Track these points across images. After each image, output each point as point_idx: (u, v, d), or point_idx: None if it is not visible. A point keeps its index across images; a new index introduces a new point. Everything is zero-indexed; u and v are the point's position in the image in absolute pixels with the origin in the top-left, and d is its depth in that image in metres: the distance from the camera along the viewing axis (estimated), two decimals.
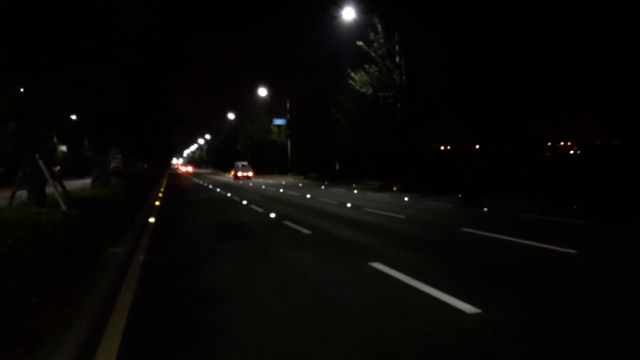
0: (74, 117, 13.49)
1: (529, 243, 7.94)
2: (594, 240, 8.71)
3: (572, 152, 34.20)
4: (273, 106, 60.36)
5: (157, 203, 18.67)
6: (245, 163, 54.32)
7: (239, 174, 49.97)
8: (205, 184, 38.14)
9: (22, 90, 7.36)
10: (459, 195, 17.85)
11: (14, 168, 9.12)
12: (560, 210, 12.93)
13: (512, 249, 7.77)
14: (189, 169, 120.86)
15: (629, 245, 8.17)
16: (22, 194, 8.98)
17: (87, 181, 24.56)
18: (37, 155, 7.76)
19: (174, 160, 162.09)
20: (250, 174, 50.51)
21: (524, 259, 6.99)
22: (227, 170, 72.30)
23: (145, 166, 63.88)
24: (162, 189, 30.85)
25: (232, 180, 46.02)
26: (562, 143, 35.75)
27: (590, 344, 3.69)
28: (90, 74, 7.67)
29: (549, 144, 30.15)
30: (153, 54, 12.61)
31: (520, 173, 21.50)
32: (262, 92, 60.97)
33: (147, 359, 3.59)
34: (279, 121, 56.68)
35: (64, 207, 7.47)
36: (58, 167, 33.78)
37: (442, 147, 37.43)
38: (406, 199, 18.53)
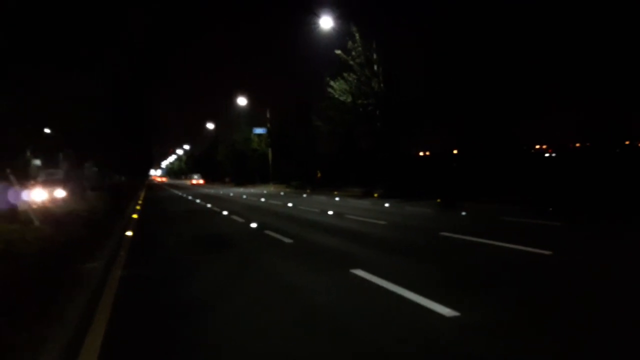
0: (48, 130, 13.25)
1: (506, 245, 8.04)
2: (568, 241, 8.87)
3: (547, 155, 34.74)
4: (253, 115, 60.15)
5: (134, 216, 18.39)
6: (198, 175, 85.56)
7: (194, 182, 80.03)
8: (185, 195, 37.72)
9: None
10: (438, 200, 17.98)
11: None
12: (537, 212, 13.12)
13: (490, 251, 7.84)
14: (164, 179, 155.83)
15: (602, 245, 8.34)
16: None
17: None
18: (9, 170, 7.58)
19: (152, 172, 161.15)
20: (202, 181, 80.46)
21: (501, 261, 7.07)
22: (207, 182, 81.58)
23: (123, 178, 63.07)
24: (140, 201, 30.41)
25: (188, 185, 72.59)
26: (537, 146, 36.30)
27: (567, 344, 3.72)
28: (68, 86, 7.54)
29: (525, 147, 30.60)
30: (135, 67, 12.49)
31: (498, 177, 21.79)
32: (242, 101, 60.70)
33: None
34: (259, 130, 56.53)
35: (36, 222, 7.29)
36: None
37: (422, 153, 37.72)
38: (387, 204, 18.59)
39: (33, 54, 6.80)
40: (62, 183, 13.04)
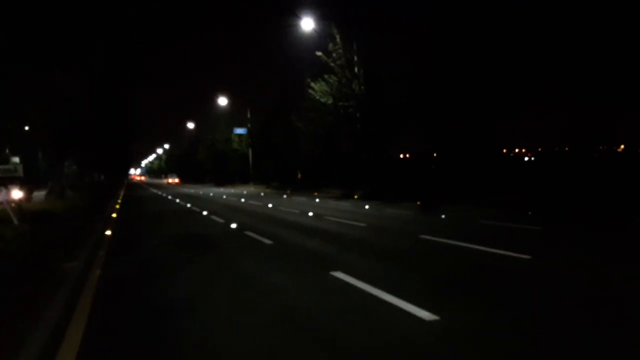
0: (27, 127, 13.06)
1: (485, 249, 8.18)
2: (547, 245, 9.02)
3: (527, 158, 35.38)
4: (234, 115, 59.94)
5: (114, 215, 18.21)
6: (174, 174, 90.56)
7: (170, 181, 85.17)
8: (164, 195, 37.41)
9: None
10: (418, 203, 18.18)
11: None
12: (516, 216, 13.35)
13: (469, 255, 7.98)
14: (142, 178, 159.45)
15: (582, 249, 8.52)
16: None
17: (41, 193, 23.72)
18: None
19: (132, 171, 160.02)
20: (177, 180, 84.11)
21: (480, 265, 7.19)
22: (188, 182, 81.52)
23: (102, 177, 62.23)
24: (119, 200, 30.08)
25: (165, 184, 77.82)
26: (517, 150, 36.95)
27: (545, 348, 3.83)
28: (50, 83, 7.47)
29: (504, 150, 31.12)
30: (115, 65, 12.39)
31: (477, 180, 22.11)
32: (223, 101, 60.43)
33: None
34: (239, 130, 56.36)
35: (16, 222, 7.22)
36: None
37: (402, 155, 38.06)
38: (367, 207, 18.73)
39: (11, 51, 6.73)
40: (20, 182, 12.71)
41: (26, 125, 12.01)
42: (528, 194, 17.59)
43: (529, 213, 13.94)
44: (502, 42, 24.51)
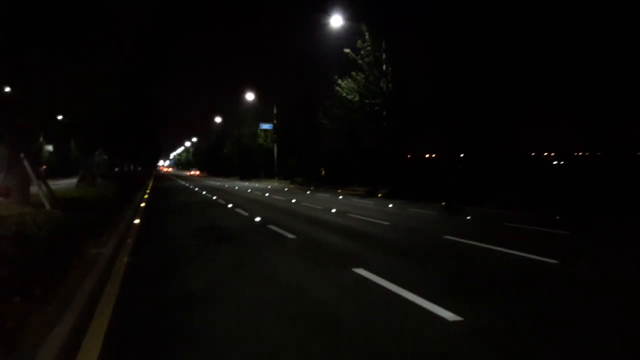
0: (60, 117, 13.41)
1: (511, 252, 8.06)
2: (575, 250, 8.82)
3: (555, 162, 34.68)
4: (261, 110, 60.28)
5: (142, 205, 18.57)
6: (195, 168, 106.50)
7: (191, 173, 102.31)
8: (191, 186, 37.93)
9: (8, 89, 7.33)
10: (443, 203, 18.01)
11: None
12: (543, 219, 13.12)
13: (494, 257, 7.89)
14: (170, 170, 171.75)
15: (610, 254, 8.33)
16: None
17: (72, 181, 24.30)
18: (22, 155, 7.71)
19: (160, 162, 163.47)
20: (198, 172, 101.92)
21: (505, 267, 7.10)
22: (214, 175, 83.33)
23: (132, 167, 63.37)
24: (148, 191, 30.63)
25: (188, 175, 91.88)
26: (545, 153, 36.23)
27: (569, 354, 3.78)
28: (80, 73, 7.65)
29: (533, 154, 30.57)
30: (143, 56, 12.60)
31: (504, 182, 21.77)
32: (250, 96, 60.90)
33: None
34: (265, 126, 56.65)
35: (48, 207, 7.43)
36: (44, 167, 33.48)
37: (427, 155, 37.73)
38: (390, 205, 18.65)
39: (44, 41, 6.92)
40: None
41: (60, 114, 12.33)
42: (556, 198, 17.24)
43: (557, 217, 13.68)
44: (529, 44, 24.08)
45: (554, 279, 6.32)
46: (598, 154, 30.71)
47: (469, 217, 13.97)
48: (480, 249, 8.60)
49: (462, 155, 30.60)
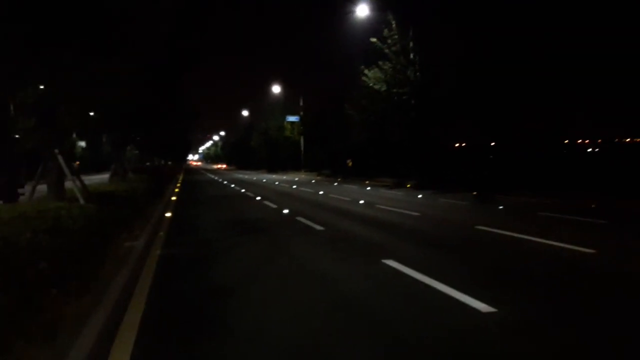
0: (92, 113, 13.69)
1: (545, 242, 7.88)
2: (613, 239, 8.57)
3: (590, 150, 33.73)
4: (287, 103, 60.51)
5: (173, 198, 18.87)
6: (222, 162, 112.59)
7: (218, 166, 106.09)
8: (220, 180, 38.38)
9: (42, 87, 7.50)
10: (474, 193, 17.74)
11: (35, 163, 9.35)
12: (578, 208, 12.80)
13: (528, 247, 7.72)
14: (199, 163, 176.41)
15: None
16: (42, 188, 9.17)
17: (105, 176, 24.88)
18: (57, 151, 7.90)
19: (190, 156, 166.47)
20: (224, 166, 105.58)
21: (540, 258, 6.94)
22: (242, 168, 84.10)
23: (163, 162, 64.49)
24: (178, 184, 31.13)
25: (215, 168, 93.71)
26: (579, 141, 35.24)
27: (606, 344, 3.67)
28: (110, 70, 7.77)
29: (567, 141, 29.76)
30: (172, 50, 12.72)
31: (538, 171, 21.30)
32: (276, 88, 61.17)
33: (161, 351, 3.67)
34: (292, 118, 56.84)
35: (82, 201, 7.61)
36: (77, 163, 34.37)
37: (457, 144, 37.15)
38: (420, 196, 18.48)
39: (76, 39, 7.05)
40: None
41: (92, 110, 12.59)
42: (592, 186, 16.77)
43: (593, 206, 13.32)
44: (569, 27, 23.34)
45: (591, 270, 6.14)
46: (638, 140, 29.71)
47: (501, 207, 13.73)
48: (513, 239, 8.43)
49: (493, 144, 30.03)
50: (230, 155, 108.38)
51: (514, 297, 4.90)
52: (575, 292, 5.13)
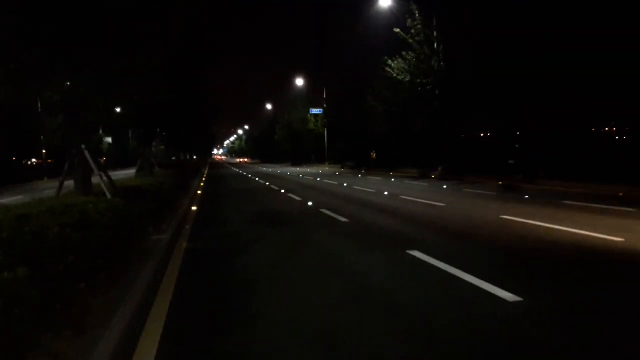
0: (118, 109, 13.87)
1: (572, 231, 7.73)
2: None
3: (617, 137, 32.84)
4: (310, 95, 60.50)
5: (199, 192, 19.08)
6: (244, 155, 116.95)
7: (240, 160, 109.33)
8: (245, 173, 38.65)
9: (69, 83, 7.61)
10: (500, 182, 17.48)
11: (62, 159, 9.48)
12: (605, 197, 12.49)
13: (555, 236, 7.56)
14: (223, 158, 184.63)
15: None
16: (70, 184, 9.37)
17: (131, 171, 25.28)
18: (84, 147, 8.03)
19: (215, 151, 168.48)
20: (247, 159, 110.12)
21: (566, 247, 6.80)
22: (266, 161, 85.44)
23: (188, 156, 65.25)
24: (203, 178, 31.47)
25: (238, 162, 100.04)
26: (607, 129, 34.30)
27: (634, 336, 3.58)
28: (135, 67, 7.84)
29: (594, 129, 29.00)
30: (196, 46, 12.80)
31: (563, 159, 20.89)
32: (300, 81, 61.18)
33: (189, 342, 3.70)
34: (315, 111, 56.80)
35: (109, 196, 7.72)
36: (104, 159, 35.04)
37: (482, 134, 36.60)
38: (445, 186, 18.29)
39: (99, 35, 7.13)
40: None
41: (117, 106, 12.77)
42: (619, 174, 16.33)
43: (620, 194, 12.97)
44: (584, 15, 22.59)
45: (620, 258, 5.99)
46: None
47: (527, 196, 13.49)
48: (539, 228, 8.28)
49: (518, 132, 29.50)
50: (254, 149, 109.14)
51: (540, 286, 4.83)
52: (602, 281, 5.03)
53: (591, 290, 4.68)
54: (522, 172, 18.61)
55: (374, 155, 40.25)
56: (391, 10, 26.70)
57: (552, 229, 8.11)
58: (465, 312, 4.10)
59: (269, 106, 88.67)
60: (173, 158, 45.37)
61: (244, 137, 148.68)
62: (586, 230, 7.59)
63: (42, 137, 36.75)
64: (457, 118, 27.39)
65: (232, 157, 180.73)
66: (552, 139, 25.42)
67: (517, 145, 27.51)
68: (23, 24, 6.38)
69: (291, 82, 63.17)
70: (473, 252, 6.63)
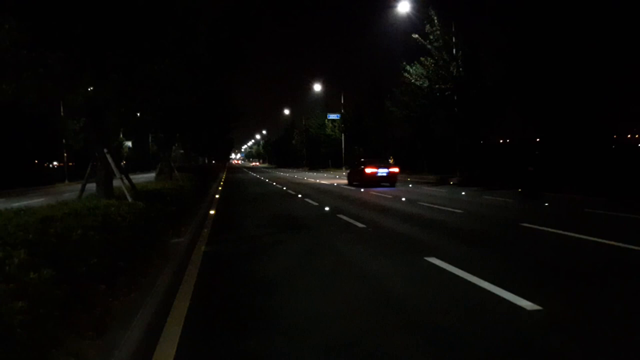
0: (138, 113, 14.06)
1: (592, 239, 7.62)
2: None
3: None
4: (328, 101, 60.69)
5: (217, 196, 19.24)
6: (257, 159, 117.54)
7: (254, 163, 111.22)
8: (262, 178, 38.84)
9: (91, 88, 7.75)
10: (519, 190, 17.29)
11: (83, 162, 9.64)
12: (627, 205, 12.27)
13: (574, 245, 7.48)
14: (239, 161, 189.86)
15: None
16: (91, 186, 9.53)
17: (151, 175, 25.60)
18: (106, 150, 8.16)
19: (232, 155, 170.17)
20: (258, 163, 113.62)
21: (586, 255, 6.73)
22: (283, 166, 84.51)
23: (206, 160, 65.78)
24: (221, 182, 31.71)
25: (251, 165, 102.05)
26: (629, 136, 33.70)
27: None
28: (158, 72, 7.94)
29: (615, 136, 28.49)
30: (218, 51, 12.91)
31: (585, 167, 20.57)
32: (317, 87, 61.34)
33: (207, 344, 3.75)
34: (333, 116, 56.91)
35: (130, 199, 7.83)
36: (124, 162, 35.48)
37: (501, 140, 36.25)
38: (463, 193, 18.15)
39: (123, 41, 7.25)
40: None
41: (138, 110, 12.94)
42: None
43: None
44: (612, 20, 22.17)
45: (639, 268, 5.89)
46: None
47: (547, 204, 13.33)
48: (559, 236, 8.18)
49: (538, 139, 29.15)
50: (272, 154, 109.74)
51: (559, 295, 4.78)
52: (623, 289, 4.96)
53: (611, 300, 4.62)
54: (543, 179, 18.38)
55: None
56: (409, 16, 26.72)
57: (572, 237, 8.01)
58: (482, 320, 4.08)
59: (287, 111, 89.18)
60: (192, 162, 45.81)
61: (261, 142, 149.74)
62: (606, 239, 7.49)
63: (63, 140, 37.42)
64: (476, 124, 27.21)
65: (248, 161, 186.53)
66: (572, 146, 25.01)
67: (537, 152, 27.19)
68: (53, 27, 6.51)
69: (310, 88, 63.38)
70: (491, 260, 6.58)
